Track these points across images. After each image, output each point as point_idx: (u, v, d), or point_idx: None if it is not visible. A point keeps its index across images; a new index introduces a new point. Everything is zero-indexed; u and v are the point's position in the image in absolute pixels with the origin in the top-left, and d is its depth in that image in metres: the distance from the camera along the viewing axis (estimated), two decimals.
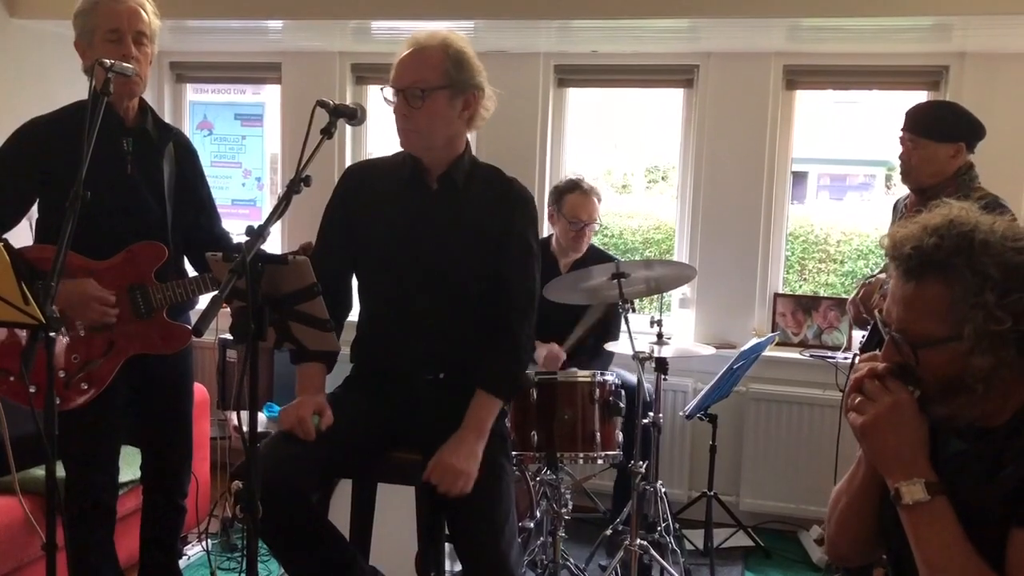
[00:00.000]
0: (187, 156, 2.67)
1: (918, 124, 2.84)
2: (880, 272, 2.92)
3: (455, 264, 2.29)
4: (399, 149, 2.36)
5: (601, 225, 3.85)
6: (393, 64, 2.22)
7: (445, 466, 2.14)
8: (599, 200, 3.70)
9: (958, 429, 1.45)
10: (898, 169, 2.95)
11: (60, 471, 2.35)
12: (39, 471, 2.82)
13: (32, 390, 2.24)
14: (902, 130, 2.88)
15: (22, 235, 2.49)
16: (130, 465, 2.83)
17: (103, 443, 2.55)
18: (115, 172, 2.45)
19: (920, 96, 4.02)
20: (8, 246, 2.27)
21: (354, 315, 2.47)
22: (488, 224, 2.30)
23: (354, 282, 2.45)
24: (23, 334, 2.33)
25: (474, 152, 2.43)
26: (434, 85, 2.17)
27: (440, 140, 2.24)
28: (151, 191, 2.51)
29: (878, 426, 1.41)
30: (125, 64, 2.26)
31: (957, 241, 1.34)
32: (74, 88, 2.40)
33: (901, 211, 3.00)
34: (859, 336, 3.91)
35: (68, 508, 2.47)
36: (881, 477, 1.47)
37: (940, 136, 2.80)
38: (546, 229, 3.82)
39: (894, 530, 1.46)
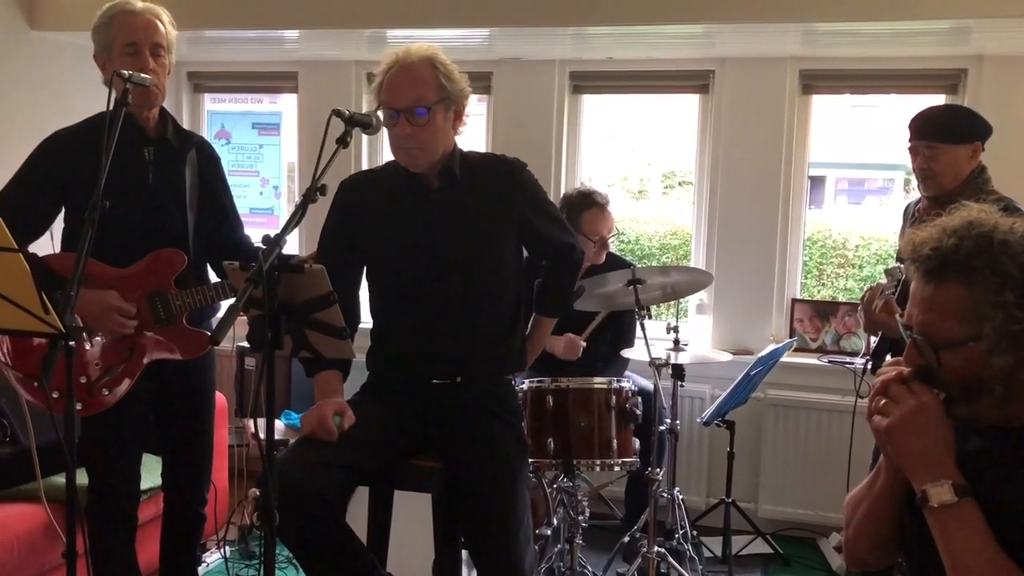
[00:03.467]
0: (209, 163, 2.69)
1: (932, 131, 2.79)
2: (882, 278, 2.90)
3: (472, 250, 2.32)
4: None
5: (617, 231, 3.83)
6: (379, 82, 2.26)
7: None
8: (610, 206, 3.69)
9: (978, 428, 1.45)
10: (914, 177, 2.92)
11: (83, 478, 2.38)
12: (62, 478, 2.85)
13: (55, 396, 2.28)
14: (913, 140, 2.83)
15: (43, 245, 2.52)
16: (151, 472, 2.85)
17: (125, 450, 2.57)
18: (136, 181, 2.47)
19: (939, 99, 3.99)
20: (30, 256, 2.31)
21: (367, 321, 2.48)
22: (497, 203, 2.35)
23: (363, 294, 2.47)
24: None
25: None
26: (433, 101, 2.22)
27: (440, 152, 2.29)
28: (173, 199, 2.53)
29: (904, 428, 1.41)
30: (143, 75, 2.29)
31: (977, 242, 1.35)
32: (93, 100, 2.42)
33: (912, 215, 2.98)
34: (876, 341, 3.88)
35: (90, 515, 2.49)
36: (902, 482, 1.46)
37: (958, 138, 2.77)
38: None
39: (914, 535, 1.46)
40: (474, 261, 2.31)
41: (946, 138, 2.77)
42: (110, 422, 2.47)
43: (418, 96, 2.20)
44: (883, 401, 1.45)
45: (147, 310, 2.48)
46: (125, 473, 2.59)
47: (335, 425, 2.16)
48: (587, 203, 3.59)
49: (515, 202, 2.36)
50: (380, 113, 2.24)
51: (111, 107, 2.15)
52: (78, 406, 2.36)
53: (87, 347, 2.44)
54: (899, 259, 2.81)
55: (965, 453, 1.42)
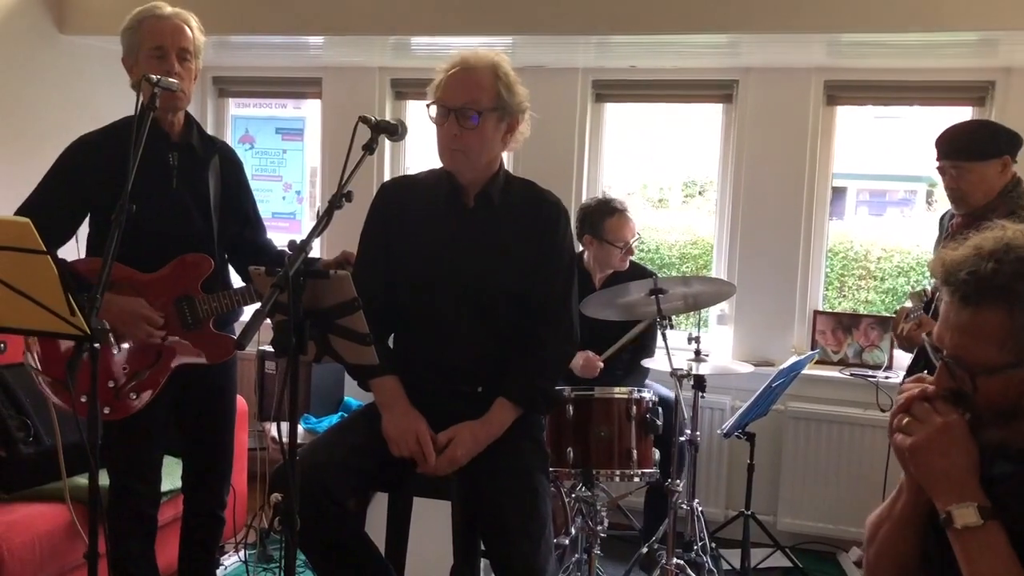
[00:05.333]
0: (232, 169, 2.71)
1: (958, 149, 2.77)
2: (908, 301, 2.87)
3: (492, 282, 2.30)
4: (435, 165, 2.38)
5: (639, 236, 3.81)
6: (438, 80, 2.24)
7: (451, 455, 2.19)
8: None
9: (1006, 452, 1.42)
10: (942, 189, 2.89)
11: (104, 479, 2.39)
12: (84, 479, 2.87)
13: (83, 399, 2.29)
14: (940, 160, 2.80)
15: (69, 250, 2.54)
16: (171, 475, 2.86)
17: (147, 453, 2.59)
18: (161, 186, 2.49)
19: (965, 112, 3.96)
20: (57, 259, 2.33)
21: None
22: (524, 241, 2.32)
23: None
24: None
25: (512, 167, 2.44)
26: (487, 108, 2.20)
27: (484, 161, 2.27)
28: (197, 204, 2.55)
29: (928, 448, 1.38)
30: (170, 79, 2.31)
31: (1017, 266, 1.32)
32: (121, 104, 2.45)
33: (947, 228, 2.95)
34: (899, 355, 3.85)
35: (110, 516, 2.51)
36: (924, 503, 1.44)
37: (984, 154, 2.74)
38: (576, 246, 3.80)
39: (937, 557, 1.43)
40: (493, 287, 2.29)
41: (971, 156, 2.74)
42: (131, 424, 2.48)
43: (473, 99, 2.18)
44: (906, 419, 1.43)
45: (174, 315, 2.50)
46: (145, 475, 2.60)
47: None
48: (607, 210, 3.58)
49: (546, 240, 2.32)
50: (432, 110, 2.23)
51: (138, 111, 2.18)
52: (105, 410, 2.39)
53: (114, 352, 2.46)
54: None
55: (992, 477, 1.39)
